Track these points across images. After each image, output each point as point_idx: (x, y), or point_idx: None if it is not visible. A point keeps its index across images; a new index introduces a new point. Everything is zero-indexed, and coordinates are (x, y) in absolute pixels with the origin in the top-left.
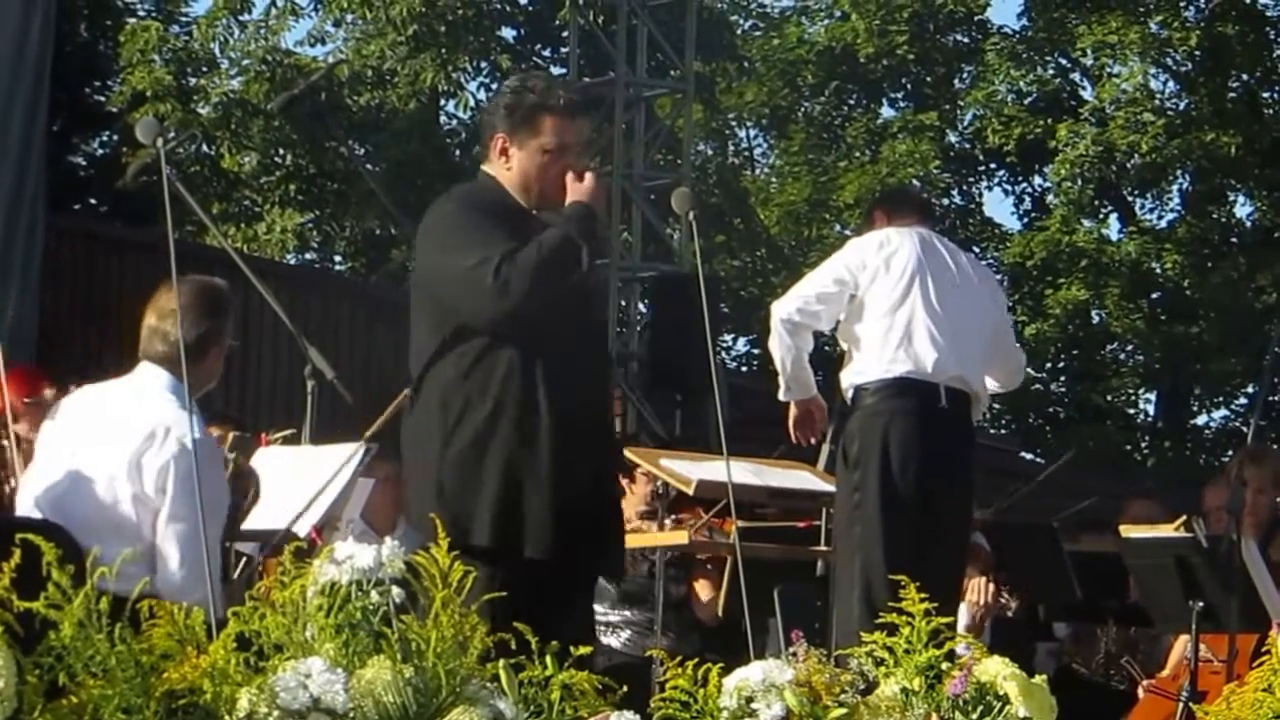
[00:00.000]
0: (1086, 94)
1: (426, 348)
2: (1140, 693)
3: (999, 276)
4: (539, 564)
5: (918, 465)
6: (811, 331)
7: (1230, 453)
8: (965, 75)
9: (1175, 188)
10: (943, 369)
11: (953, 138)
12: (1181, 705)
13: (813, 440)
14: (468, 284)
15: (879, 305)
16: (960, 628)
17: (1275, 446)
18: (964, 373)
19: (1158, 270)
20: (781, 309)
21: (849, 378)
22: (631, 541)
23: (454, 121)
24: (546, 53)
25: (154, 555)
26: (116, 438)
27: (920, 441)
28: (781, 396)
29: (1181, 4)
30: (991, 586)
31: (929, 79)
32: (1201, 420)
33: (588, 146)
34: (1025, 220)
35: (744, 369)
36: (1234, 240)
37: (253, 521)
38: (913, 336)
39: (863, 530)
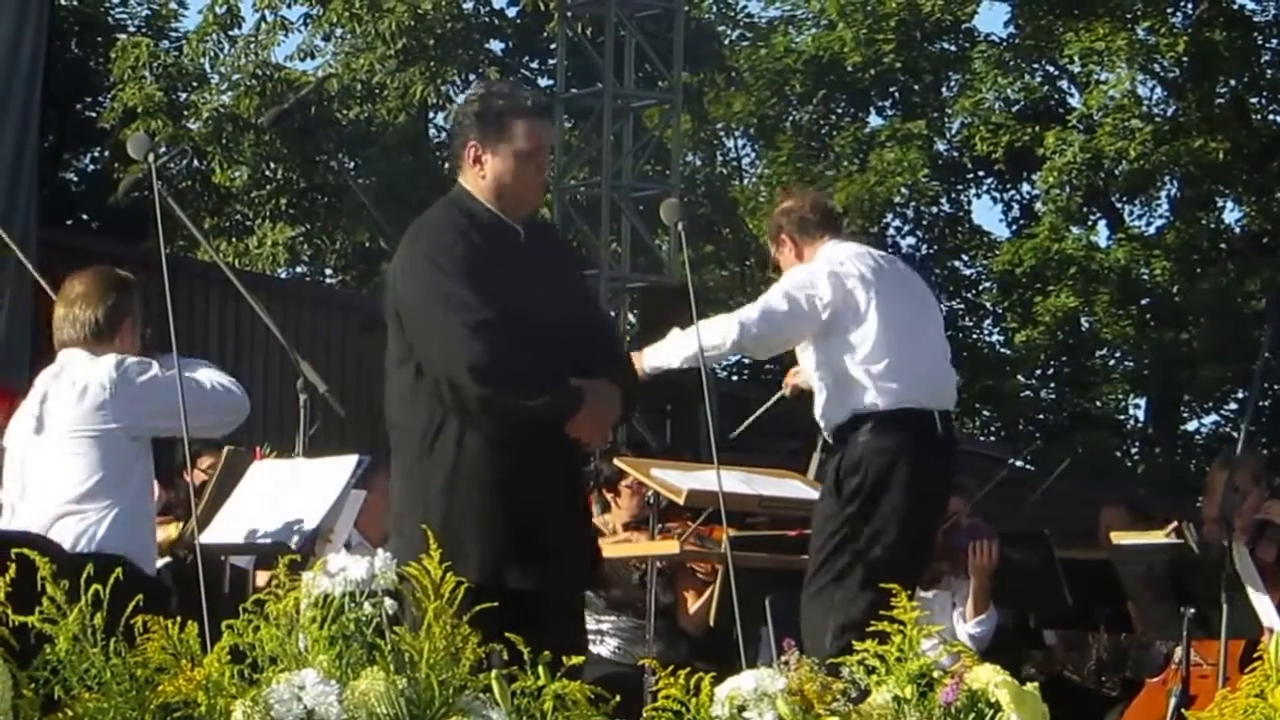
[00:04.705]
0: (1074, 101)
1: (401, 382)
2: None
3: (988, 284)
4: (525, 594)
5: (926, 502)
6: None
7: None
8: (953, 83)
9: (1164, 194)
10: (935, 397)
11: (941, 146)
12: (1172, 708)
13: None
14: (455, 345)
15: (853, 337)
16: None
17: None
18: (948, 393)
19: (1147, 277)
20: (748, 327)
21: (839, 411)
22: (622, 551)
23: (443, 134)
24: (535, 65)
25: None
26: (52, 413)
27: (925, 478)
28: (679, 364)
29: (1169, 10)
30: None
31: (916, 87)
32: (1192, 426)
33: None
34: (1014, 228)
35: (734, 378)
36: (1223, 246)
37: (247, 535)
38: (900, 366)
39: (855, 565)
